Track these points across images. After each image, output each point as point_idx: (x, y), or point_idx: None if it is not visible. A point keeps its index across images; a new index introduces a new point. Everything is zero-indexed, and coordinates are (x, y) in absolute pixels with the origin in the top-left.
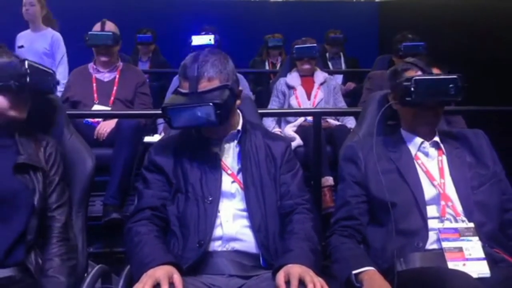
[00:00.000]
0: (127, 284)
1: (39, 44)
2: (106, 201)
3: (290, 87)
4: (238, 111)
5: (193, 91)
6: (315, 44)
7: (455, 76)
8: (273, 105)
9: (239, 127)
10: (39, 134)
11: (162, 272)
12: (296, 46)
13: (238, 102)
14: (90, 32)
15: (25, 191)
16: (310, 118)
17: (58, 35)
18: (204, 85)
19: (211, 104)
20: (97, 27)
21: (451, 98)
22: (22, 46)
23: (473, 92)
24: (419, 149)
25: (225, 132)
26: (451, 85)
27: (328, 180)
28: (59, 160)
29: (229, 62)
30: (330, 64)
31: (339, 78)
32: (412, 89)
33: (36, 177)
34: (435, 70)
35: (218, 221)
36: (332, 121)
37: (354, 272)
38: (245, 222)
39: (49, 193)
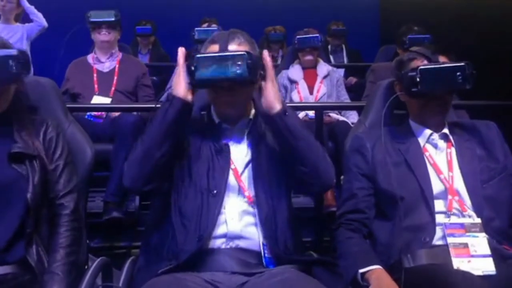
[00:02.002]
0: (129, 278)
1: (16, 37)
2: (106, 198)
3: (292, 81)
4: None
5: (223, 49)
6: (317, 34)
7: (462, 64)
8: None
9: (251, 116)
10: (38, 118)
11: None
12: (298, 36)
13: (256, 85)
14: (92, 11)
15: (19, 182)
16: (311, 114)
17: (26, 25)
18: (233, 48)
19: (244, 52)
20: None
21: (459, 86)
22: None
23: (478, 86)
24: (427, 141)
25: (240, 113)
26: (458, 73)
27: None
28: (62, 143)
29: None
30: (332, 57)
31: (340, 72)
32: (418, 79)
33: (32, 167)
34: (442, 59)
35: (223, 218)
36: (335, 115)
37: (361, 271)
38: (251, 219)
39: (56, 180)
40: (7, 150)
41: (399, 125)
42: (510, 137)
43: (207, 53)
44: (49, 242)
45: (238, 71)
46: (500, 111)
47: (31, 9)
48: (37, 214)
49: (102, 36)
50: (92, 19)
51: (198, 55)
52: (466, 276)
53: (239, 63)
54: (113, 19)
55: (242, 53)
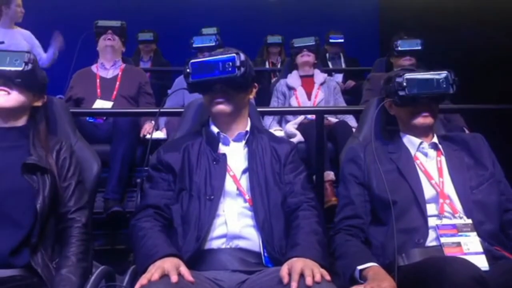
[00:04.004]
0: (132, 281)
1: (20, 41)
2: (106, 196)
3: (290, 88)
4: (247, 114)
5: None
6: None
7: (445, 72)
8: (274, 106)
9: (247, 129)
10: (53, 137)
11: (170, 263)
12: (295, 39)
13: (251, 96)
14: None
15: (30, 193)
16: (309, 116)
17: (29, 33)
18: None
19: (234, 54)
20: None
21: (443, 90)
22: (2, 42)
23: (475, 91)
24: (418, 149)
25: (235, 120)
26: (441, 80)
27: (329, 175)
28: (75, 163)
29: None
30: (330, 64)
31: (339, 77)
32: (405, 84)
33: (43, 179)
34: None
35: (222, 219)
36: (332, 119)
37: (359, 267)
38: (250, 221)
39: (68, 197)
40: (21, 161)
41: (391, 138)
42: (503, 140)
43: (200, 58)
44: (57, 251)
45: (228, 72)
46: (493, 114)
47: (51, 54)
48: (43, 225)
49: (106, 41)
50: (99, 25)
51: (192, 60)
52: (459, 260)
53: (230, 64)
54: (118, 25)
55: (232, 55)
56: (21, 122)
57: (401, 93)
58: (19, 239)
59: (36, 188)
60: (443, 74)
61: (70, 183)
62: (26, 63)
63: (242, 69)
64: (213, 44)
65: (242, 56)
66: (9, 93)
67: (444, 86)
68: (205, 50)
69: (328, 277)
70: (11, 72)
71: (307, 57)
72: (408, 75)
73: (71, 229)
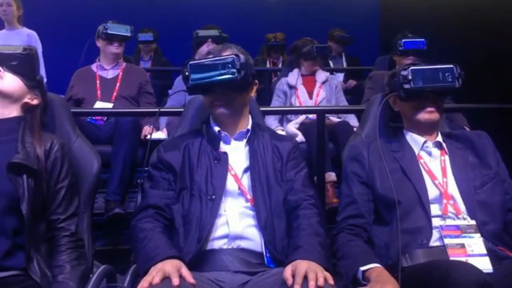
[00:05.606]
0: (133, 281)
1: (15, 42)
2: (108, 197)
3: (292, 87)
4: (248, 112)
5: (216, 56)
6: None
7: (451, 65)
8: (275, 105)
9: (249, 127)
10: (46, 134)
11: (170, 265)
12: (315, 46)
13: (252, 93)
14: (109, 23)
15: (14, 195)
16: (311, 115)
17: (34, 33)
18: (227, 54)
19: (233, 55)
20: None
21: (448, 84)
22: None
23: (477, 90)
24: (422, 148)
25: (236, 119)
26: (447, 73)
27: (331, 176)
28: (67, 165)
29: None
30: (331, 63)
31: (340, 76)
32: (410, 77)
33: (29, 180)
34: None
35: (224, 220)
36: (334, 119)
37: (362, 268)
38: (251, 221)
39: (58, 203)
40: (7, 159)
41: (394, 135)
42: (505, 139)
43: (199, 60)
44: (52, 259)
45: (227, 74)
46: (495, 113)
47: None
48: (33, 228)
49: (113, 48)
50: (109, 31)
51: (191, 62)
52: (463, 264)
53: (229, 66)
54: (129, 34)
55: (231, 57)
56: (11, 113)
57: (406, 86)
58: (8, 244)
59: (21, 191)
60: (448, 67)
61: (61, 186)
62: (25, 49)
63: (242, 72)
64: (218, 34)
65: (242, 58)
66: (1, 77)
67: (450, 80)
68: (210, 40)
69: (331, 281)
70: (7, 54)
71: (317, 65)
72: (413, 68)
73: (60, 239)
